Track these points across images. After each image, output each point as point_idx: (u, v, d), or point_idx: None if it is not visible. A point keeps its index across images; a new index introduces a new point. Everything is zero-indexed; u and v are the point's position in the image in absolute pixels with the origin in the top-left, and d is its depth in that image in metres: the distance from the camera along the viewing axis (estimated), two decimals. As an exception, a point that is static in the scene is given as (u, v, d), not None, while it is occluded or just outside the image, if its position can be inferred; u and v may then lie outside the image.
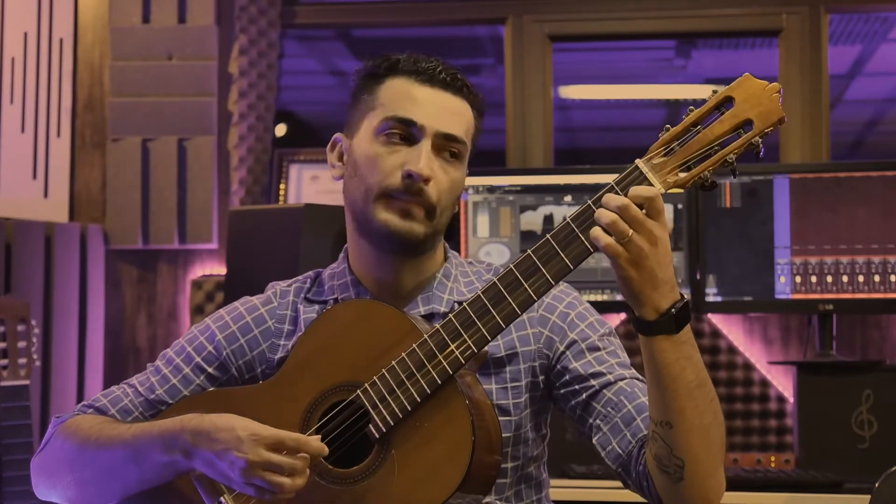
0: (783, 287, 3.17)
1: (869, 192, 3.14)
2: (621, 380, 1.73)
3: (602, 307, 3.11)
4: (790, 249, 3.16)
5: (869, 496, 2.36)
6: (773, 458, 3.04)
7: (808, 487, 2.81)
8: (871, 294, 3.13)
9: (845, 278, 3.14)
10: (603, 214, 1.51)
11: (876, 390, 3.04)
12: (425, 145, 1.72)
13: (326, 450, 1.58)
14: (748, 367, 3.44)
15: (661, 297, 1.53)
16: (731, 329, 3.47)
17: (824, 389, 3.07)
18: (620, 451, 1.69)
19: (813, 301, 3.16)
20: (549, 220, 3.28)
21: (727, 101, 1.53)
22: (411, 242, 1.73)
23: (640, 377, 1.75)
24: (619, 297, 3.22)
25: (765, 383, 3.43)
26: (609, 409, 1.71)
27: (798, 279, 3.16)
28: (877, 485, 2.35)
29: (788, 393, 3.41)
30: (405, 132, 1.73)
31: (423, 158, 1.71)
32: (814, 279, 3.15)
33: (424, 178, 1.70)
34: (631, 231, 1.49)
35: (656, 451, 1.60)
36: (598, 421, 1.72)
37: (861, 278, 3.14)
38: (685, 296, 1.56)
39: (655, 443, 1.60)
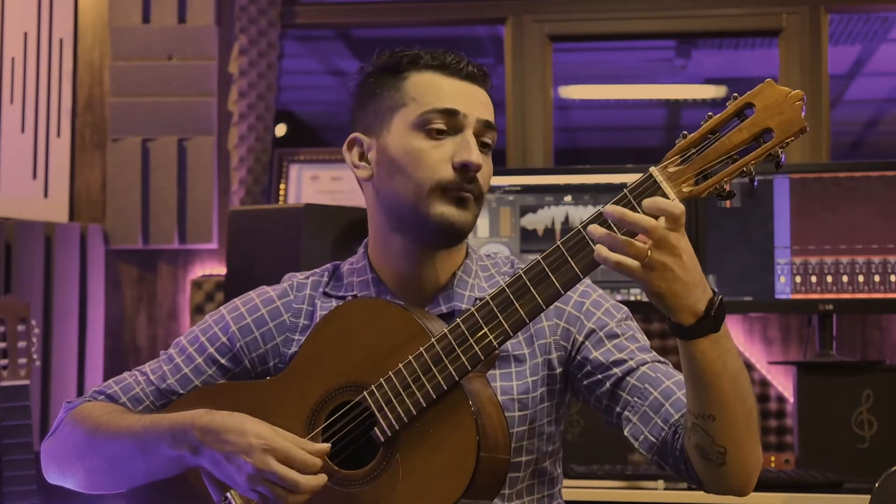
0: (783, 287, 3.16)
1: (869, 192, 3.14)
2: (643, 364, 1.72)
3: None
4: (790, 249, 3.16)
5: (869, 496, 2.36)
6: (773, 458, 3.03)
7: (807, 487, 2.81)
8: (871, 294, 3.13)
9: (845, 278, 3.14)
10: (617, 241, 1.46)
11: (876, 390, 3.04)
12: (470, 134, 1.71)
13: (324, 479, 1.58)
14: (748, 367, 3.42)
15: (696, 300, 1.50)
16: (731, 329, 3.43)
17: (824, 389, 3.07)
18: (654, 440, 1.68)
19: (813, 301, 3.15)
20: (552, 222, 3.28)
21: (747, 108, 1.49)
22: (464, 232, 1.73)
23: (661, 359, 1.75)
24: (619, 297, 3.22)
25: (765, 383, 3.43)
26: (635, 397, 1.70)
27: (798, 279, 3.16)
28: (877, 485, 2.35)
29: (788, 393, 3.41)
30: (448, 123, 1.71)
31: (473, 148, 1.70)
32: (814, 279, 3.15)
33: (478, 166, 1.70)
34: (649, 249, 1.46)
35: (697, 440, 1.59)
36: (626, 412, 1.71)
37: (861, 278, 3.14)
38: (717, 291, 1.54)
39: (696, 433, 1.58)
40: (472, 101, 1.74)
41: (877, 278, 3.13)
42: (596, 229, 1.48)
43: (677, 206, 1.46)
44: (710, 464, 1.60)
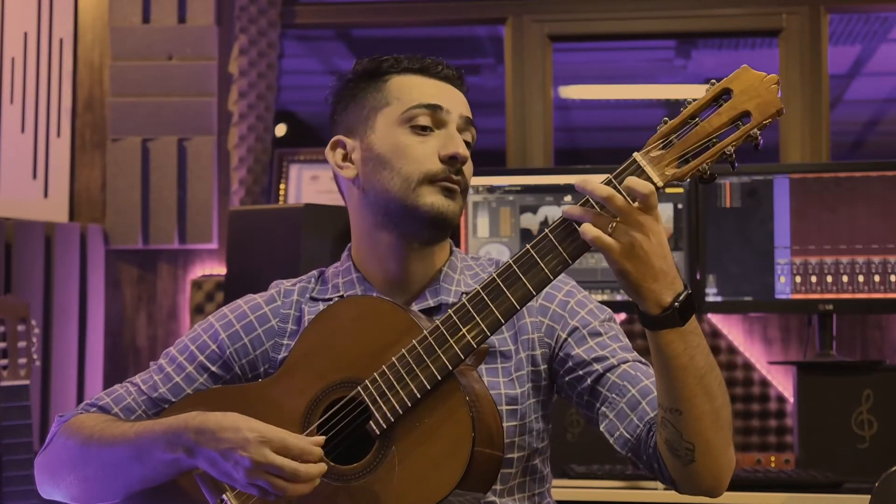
0: (783, 287, 3.16)
1: (869, 192, 3.14)
2: (624, 363, 1.74)
3: (602, 307, 3.10)
4: (790, 249, 3.16)
5: (869, 496, 2.36)
6: (773, 458, 3.03)
7: (807, 487, 2.81)
8: (871, 294, 3.13)
9: (845, 278, 3.14)
10: (584, 210, 1.53)
11: (876, 390, 3.04)
12: (454, 129, 1.77)
13: (324, 467, 1.58)
14: (748, 367, 3.44)
15: (662, 289, 1.53)
16: (730, 329, 3.47)
17: (824, 389, 3.07)
18: (629, 436, 1.70)
19: (813, 301, 3.15)
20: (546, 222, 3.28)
21: (725, 93, 1.53)
22: (452, 223, 1.77)
23: (643, 360, 1.77)
24: (619, 297, 3.22)
25: (765, 383, 3.43)
26: (614, 394, 1.72)
27: (798, 279, 3.16)
28: (877, 485, 2.35)
29: (788, 393, 3.41)
30: (432, 118, 1.77)
31: (459, 141, 1.76)
32: (814, 279, 3.15)
33: (465, 158, 1.75)
34: (614, 222, 1.50)
35: (667, 436, 1.61)
36: (604, 408, 1.73)
37: (861, 278, 3.14)
38: (688, 287, 1.56)
39: (665, 428, 1.60)
40: (454, 99, 1.80)
41: (877, 278, 3.13)
42: (569, 206, 1.55)
43: (646, 186, 1.50)
44: (679, 461, 1.61)
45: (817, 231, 3.16)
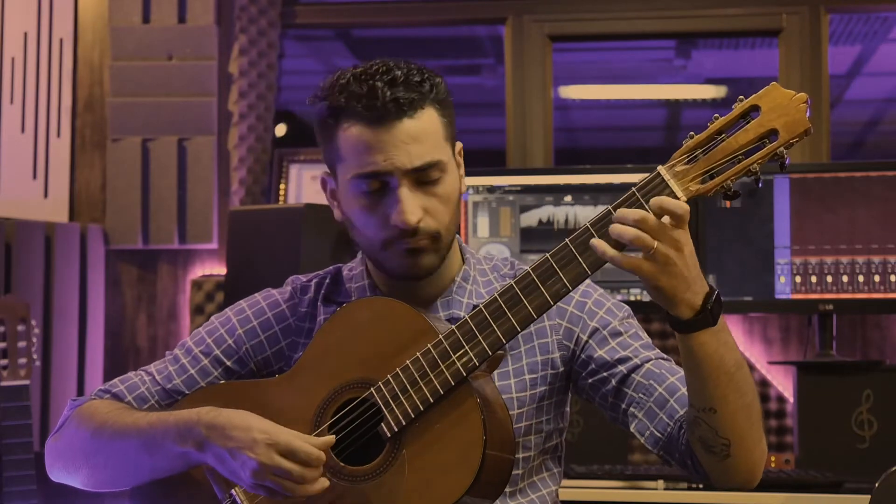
0: (783, 287, 3.16)
1: (869, 192, 3.14)
2: (647, 361, 1.74)
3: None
4: (790, 249, 3.16)
5: (869, 496, 2.36)
6: (772, 458, 3.03)
7: (807, 487, 2.81)
8: (871, 294, 3.13)
9: (845, 278, 3.14)
10: (625, 231, 1.49)
11: (876, 390, 3.04)
12: (402, 192, 1.66)
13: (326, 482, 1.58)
14: (748, 367, 3.44)
15: (693, 295, 1.54)
16: (730, 329, 3.46)
17: (824, 389, 3.07)
18: (659, 435, 1.71)
19: (813, 301, 3.15)
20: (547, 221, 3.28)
21: (753, 110, 1.52)
22: (425, 274, 1.72)
23: (665, 356, 1.77)
24: (619, 297, 3.22)
25: (765, 383, 3.43)
26: (641, 394, 1.72)
27: (798, 279, 3.16)
28: (877, 485, 2.35)
29: (788, 393, 3.41)
30: (378, 183, 1.67)
31: (404, 207, 1.65)
32: (814, 279, 3.15)
33: (411, 227, 1.66)
34: (655, 242, 1.49)
35: (701, 434, 1.61)
36: (632, 408, 1.73)
37: (861, 278, 3.14)
38: (713, 287, 1.56)
39: (699, 427, 1.61)
40: (397, 152, 1.65)
41: (877, 278, 3.13)
42: (616, 227, 1.50)
43: (681, 206, 1.50)
44: (714, 457, 1.62)
45: (817, 231, 3.16)
